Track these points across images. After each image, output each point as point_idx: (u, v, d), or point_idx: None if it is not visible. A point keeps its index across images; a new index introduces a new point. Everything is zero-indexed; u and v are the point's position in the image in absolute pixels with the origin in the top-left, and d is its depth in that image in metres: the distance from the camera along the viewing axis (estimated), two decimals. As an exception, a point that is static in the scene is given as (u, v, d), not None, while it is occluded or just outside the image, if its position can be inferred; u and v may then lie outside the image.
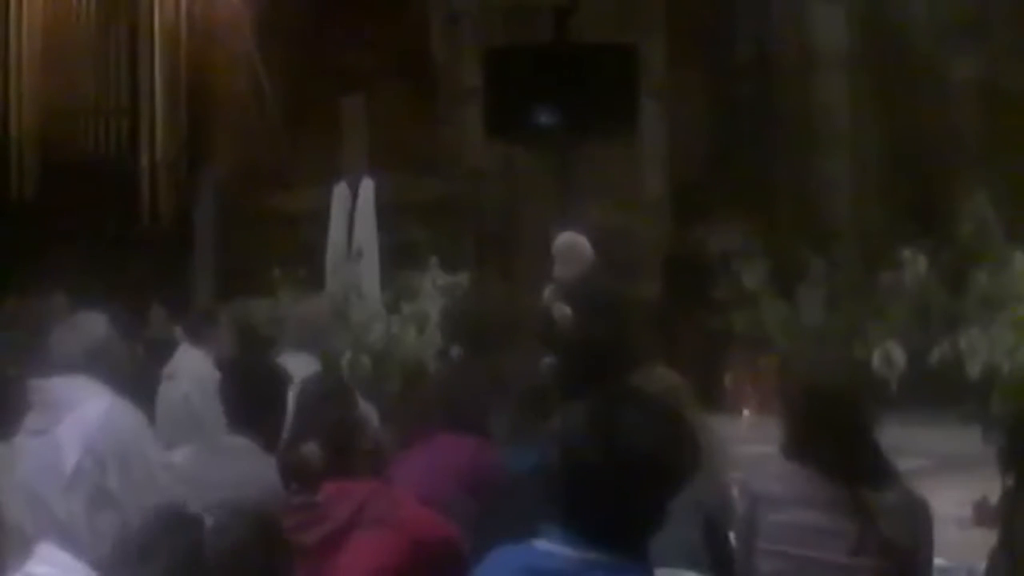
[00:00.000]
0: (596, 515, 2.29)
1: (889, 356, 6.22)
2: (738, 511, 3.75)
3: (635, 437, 2.31)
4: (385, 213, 9.43)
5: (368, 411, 5.03)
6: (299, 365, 5.68)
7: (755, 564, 3.61)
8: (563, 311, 7.72)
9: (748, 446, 7.03)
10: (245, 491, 3.76)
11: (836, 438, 3.56)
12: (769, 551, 3.58)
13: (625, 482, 2.29)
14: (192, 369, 6.45)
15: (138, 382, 4.52)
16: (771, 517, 3.58)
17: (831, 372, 3.84)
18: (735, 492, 3.91)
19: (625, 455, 2.29)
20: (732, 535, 3.78)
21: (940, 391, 6.10)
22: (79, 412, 4.07)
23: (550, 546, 2.32)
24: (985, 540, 5.49)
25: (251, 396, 4.34)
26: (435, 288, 8.40)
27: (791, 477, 3.59)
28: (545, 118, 12.28)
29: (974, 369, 5.52)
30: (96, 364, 4.22)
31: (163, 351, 6.90)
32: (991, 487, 6.10)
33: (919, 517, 3.61)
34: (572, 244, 8.06)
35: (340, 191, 9.49)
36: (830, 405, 3.61)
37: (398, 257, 9.13)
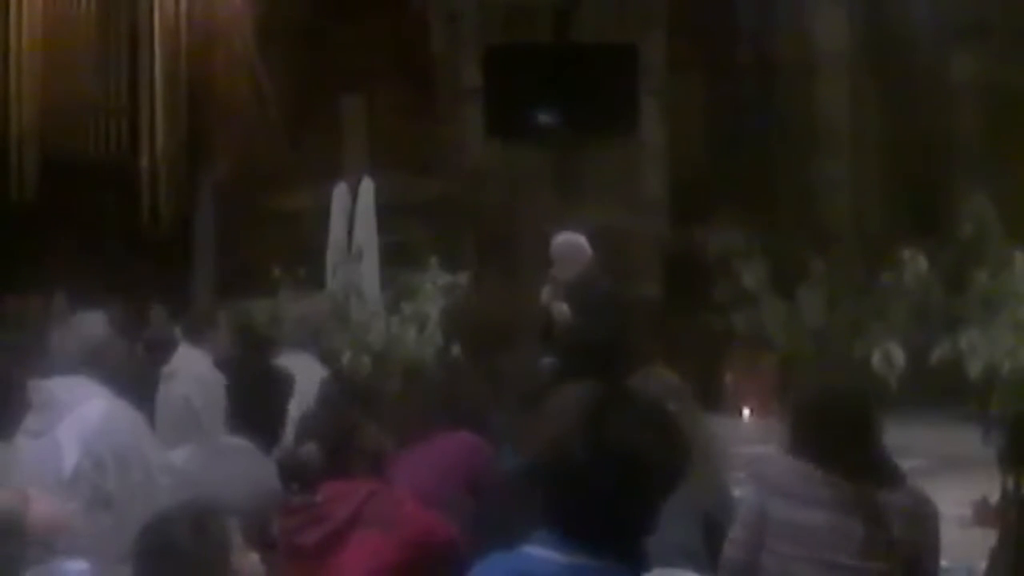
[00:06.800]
0: (585, 519, 2.27)
1: (889, 356, 6.20)
2: (749, 499, 3.69)
3: (622, 439, 2.27)
4: (385, 213, 9.43)
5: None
6: (299, 365, 5.69)
7: (761, 560, 3.57)
8: (562, 311, 7.71)
9: (748, 446, 7.04)
10: (244, 491, 3.76)
11: (843, 437, 3.55)
12: (776, 551, 3.55)
13: (613, 485, 2.26)
14: (192, 369, 6.41)
15: (138, 382, 4.50)
16: (781, 514, 3.55)
17: (837, 371, 3.83)
18: (745, 479, 3.85)
19: (612, 457, 2.26)
20: (738, 523, 3.72)
21: (940, 391, 6.10)
22: (78, 413, 4.05)
23: (541, 551, 2.29)
24: (985, 540, 5.51)
25: (251, 397, 4.34)
26: (435, 288, 8.39)
27: (801, 472, 3.56)
28: (545, 118, 12.30)
29: (974, 369, 5.51)
30: (96, 364, 4.21)
31: (163, 351, 6.88)
32: (991, 487, 6.12)
33: (927, 519, 3.59)
34: (570, 244, 8.02)
35: (340, 191, 9.48)
36: (837, 405, 3.60)
37: (398, 257, 9.12)
